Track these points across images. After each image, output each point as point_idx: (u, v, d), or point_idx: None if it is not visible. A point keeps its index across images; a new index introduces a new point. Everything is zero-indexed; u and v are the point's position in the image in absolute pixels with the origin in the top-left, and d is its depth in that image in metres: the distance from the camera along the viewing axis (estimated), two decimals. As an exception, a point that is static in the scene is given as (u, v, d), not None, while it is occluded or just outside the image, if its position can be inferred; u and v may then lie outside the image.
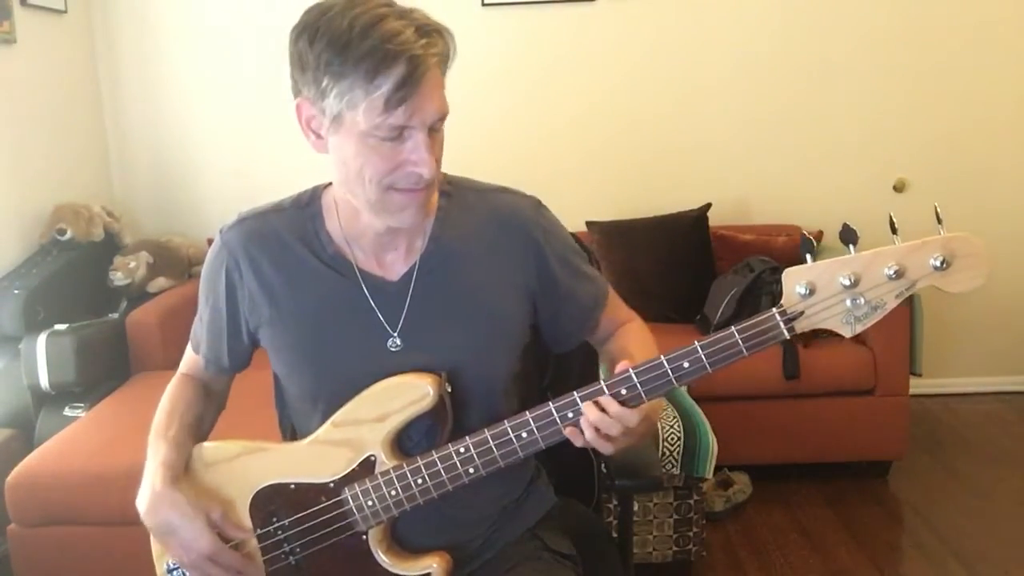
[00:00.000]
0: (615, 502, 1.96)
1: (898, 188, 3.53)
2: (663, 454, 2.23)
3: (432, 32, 1.02)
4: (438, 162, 1.06)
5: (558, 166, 3.51)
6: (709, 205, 3.33)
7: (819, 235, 3.34)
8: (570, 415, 1.06)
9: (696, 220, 3.31)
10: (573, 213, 3.27)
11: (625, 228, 3.34)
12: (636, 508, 2.25)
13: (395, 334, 1.15)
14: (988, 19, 3.41)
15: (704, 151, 3.53)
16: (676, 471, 2.25)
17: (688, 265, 3.28)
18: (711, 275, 3.21)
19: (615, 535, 1.51)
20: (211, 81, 3.48)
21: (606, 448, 1.07)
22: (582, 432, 1.06)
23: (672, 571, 2.36)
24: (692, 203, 3.35)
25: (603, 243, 3.30)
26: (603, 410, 1.04)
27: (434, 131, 1.05)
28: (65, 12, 3.23)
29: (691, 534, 2.32)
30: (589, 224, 3.34)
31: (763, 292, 2.92)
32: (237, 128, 3.50)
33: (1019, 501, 2.78)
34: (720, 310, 2.95)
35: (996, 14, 3.41)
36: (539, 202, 1.25)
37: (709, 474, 2.28)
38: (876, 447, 2.89)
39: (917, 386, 3.09)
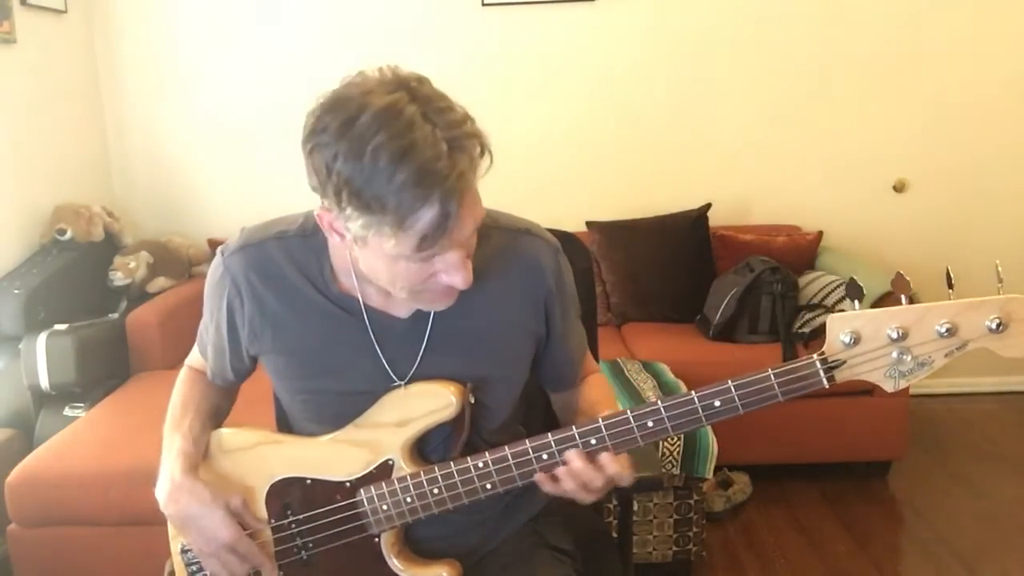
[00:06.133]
0: (615, 502, 1.95)
1: (898, 188, 3.53)
2: (663, 454, 2.23)
3: (464, 139, 0.94)
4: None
5: (558, 166, 3.51)
6: (709, 205, 3.33)
7: (819, 235, 3.34)
8: (593, 442, 1.05)
9: (696, 220, 3.32)
10: (573, 213, 3.28)
11: (625, 228, 3.34)
12: (636, 508, 2.25)
13: (402, 384, 1.13)
14: (988, 19, 3.41)
15: (704, 151, 3.53)
16: (676, 471, 2.25)
17: (688, 265, 3.28)
18: (711, 275, 3.21)
19: (615, 535, 1.51)
20: (211, 81, 3.48)
21: (586, 497, 1.08)
22: (558, 480, 1.07)
23: (672, 571, 2.36)
24: (692, 203, 3.35)
25: (603, 243, 3.30)
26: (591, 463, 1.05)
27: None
28: (65, 12, 3.23)
29: (691, 534, 2.32)
30: (589, 224, 3.34)
31: (763, 292, 2.92)
32: (237, 129, 3.50)
33: (1019, 501, 2.78)
34: (720, 310, 2.95)
35: (996, 15, 3.41)
36: (559, 248, 1.22)
37: (709, 474, 2.27)
38: (876, 447, 2.89)
39: (917, 386, 3.08)
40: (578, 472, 1.05)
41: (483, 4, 3.42)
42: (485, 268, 1.13)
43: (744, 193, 3.54)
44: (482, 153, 0.96)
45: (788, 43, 3.45)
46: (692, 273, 3.25)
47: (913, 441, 2.94)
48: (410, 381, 1.13)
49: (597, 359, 1.54)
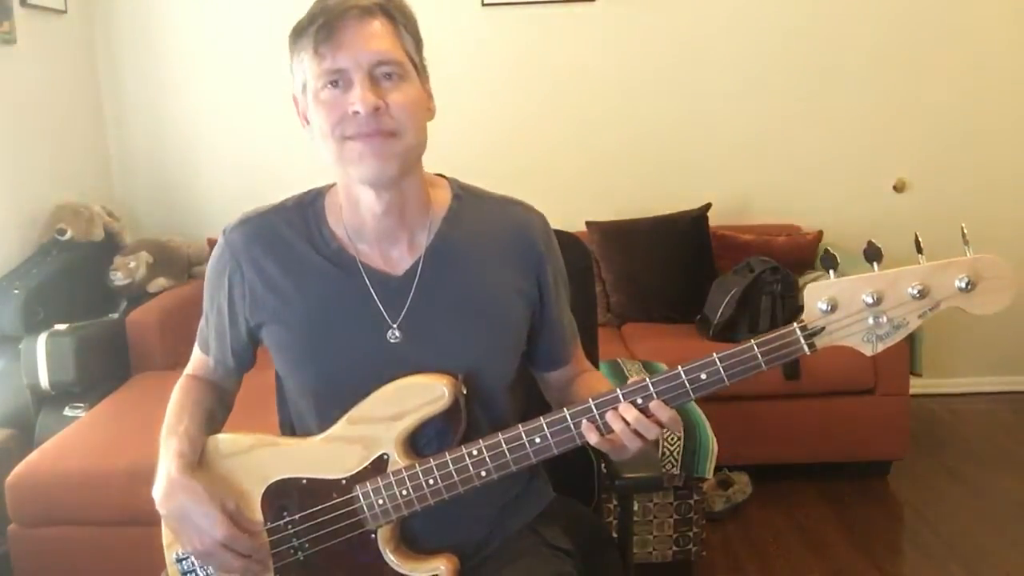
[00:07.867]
0: (615, 502, 1.95)
1: (898, 188, 3.53)
2: (663, 454, 2.23)
3: None
4: (398, 107, 1.07)
5: (558, 166, 3.51)
6: (709, 205, 3.33)
7: (819, 235, 3.34)
8: (584, 422, 1.07)
9: (696, 220, 3.32)
10: (573, 213, 3.27)
11: (625, 228, 3.34)
12: (636, 508, 2.25)
13: (395, 325, 1.15)
14: (988, 19, 3.42)
15: (704, 151, 3.53)
16: (676, 471, 2.25)
17: (688, 265, 3.28)
18: (711, 275, 3.21)
19: (615, 535, 1.51)
20: (211, 81, 3.48)
21: (622, 452, 1.08)
22: (601, 432, 1.06)
23: (672, 571, 2.36)
24: (692, 203, 3.35)
25: (603, 243, 3.30)
26: (646, 412, 1.05)
27: (381, 78, 1.08)
28: (65, 12, 3.23)
29: (691, 534, 2.32)
30: (589, 224, 3.34)
31: (763, 292, 2.92)
32: (237, 128, 3.50)
33: (1019, 501, 2.78)
34: (720, 310, 2.94)
35: (996, 14, 3.41)
36: (546, 220, 1.27)
37: (709, 474, 2.27)
38: (876, 447, 2.89)
39: (917, 386, 3.09)
40: (635, 420, 1.05)
41: (483, 4, 3.41)
42: (478, 230, 1.19)
43: (744, 193, 3.54)
44: (396, 18, 1.10)
45: (788, 43, 3.45)
46: (692, 273, 3.25)
47: (913, 441, 2.94)
48: (401, 326, 1.15)
49: (597, 359, 1.54)
